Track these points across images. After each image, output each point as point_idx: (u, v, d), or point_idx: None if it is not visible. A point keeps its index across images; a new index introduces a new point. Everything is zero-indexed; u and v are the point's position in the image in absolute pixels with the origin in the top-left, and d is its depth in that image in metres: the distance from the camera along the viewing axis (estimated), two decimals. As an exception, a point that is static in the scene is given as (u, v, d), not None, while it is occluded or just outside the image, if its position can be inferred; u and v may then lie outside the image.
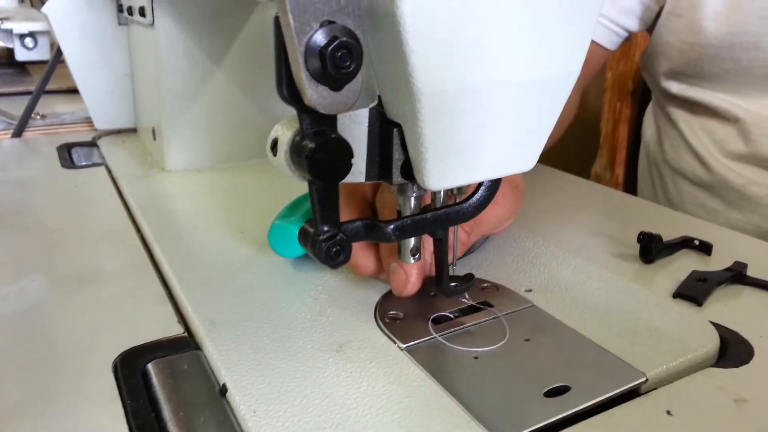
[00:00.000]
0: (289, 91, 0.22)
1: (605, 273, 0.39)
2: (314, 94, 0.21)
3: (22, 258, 0.43)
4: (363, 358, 0.31)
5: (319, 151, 0.23)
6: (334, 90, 0.21)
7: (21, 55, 1.03)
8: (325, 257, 0.25)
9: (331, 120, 0.24)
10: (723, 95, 0.63)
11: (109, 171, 0.62)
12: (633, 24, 0.68)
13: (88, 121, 0.76)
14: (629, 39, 0.72)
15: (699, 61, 0.63)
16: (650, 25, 0.69)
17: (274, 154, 0.25)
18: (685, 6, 0.63)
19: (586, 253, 0.42)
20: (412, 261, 0.31)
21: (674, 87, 0.68)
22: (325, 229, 0.25)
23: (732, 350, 0.32)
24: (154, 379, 0.30)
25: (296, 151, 0.24)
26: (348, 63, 0.21)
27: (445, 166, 0.25)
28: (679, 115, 0.69)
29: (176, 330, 0.34)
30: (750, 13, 0.58)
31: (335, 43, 0.20)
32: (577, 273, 0.39)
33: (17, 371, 0.30)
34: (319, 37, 0.20)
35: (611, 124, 1.55)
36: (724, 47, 0.60)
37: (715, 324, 0.34)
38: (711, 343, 0.32)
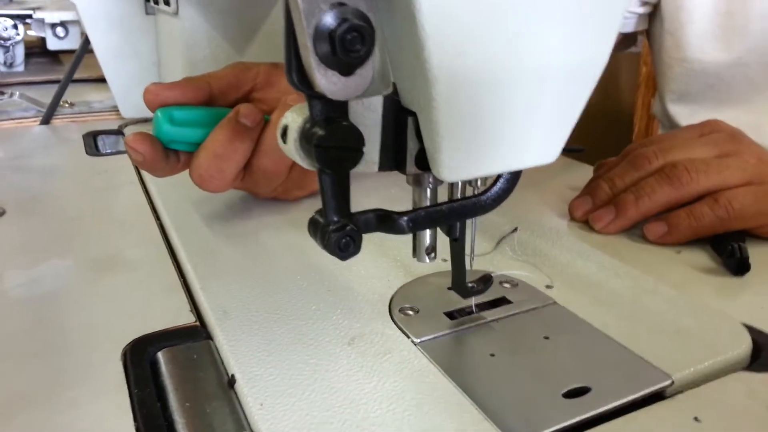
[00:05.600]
0: (299, 77, 0.21)
1: (632, 270, 0.38)
2: (323, 79, 0.20)
3: (40, 244, 0.43)
4: (375, 352, 0.30)
5: (329, 139, 0.22)
6: (344, 75, 0.20)
7: (52, 44, 1.06)
8: (334, 248, 0.25)
9: (342, 107, 0.23)
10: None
11: (133, 159, 0.62)
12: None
13: (116, 109, 0.77)
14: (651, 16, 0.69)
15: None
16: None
17: (285, 142, 0.24)
18: (675, 25, 0.60)
19: (612, 247, 0.41)
20: (428, 261, 0.30)
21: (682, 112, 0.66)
22: (335, 219, 0.24)
23: (765, 353, 0.31)
24: (163, 368, 0.30)
25: (306, 138, 0.23)
26: (359, 47, 0.20)
27: (462, 157, 0.24)
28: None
29: (188, 319, 0.34)
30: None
31: (345, 26, 0.19)
32: (601, 269, 0.38)
33: (26, 359, 0.31)
34: (329, 19, 0.19)
35: (644, 120, 1.51)
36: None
37: (747, 326, 0.32)
38: (743, 345, 0.30)
